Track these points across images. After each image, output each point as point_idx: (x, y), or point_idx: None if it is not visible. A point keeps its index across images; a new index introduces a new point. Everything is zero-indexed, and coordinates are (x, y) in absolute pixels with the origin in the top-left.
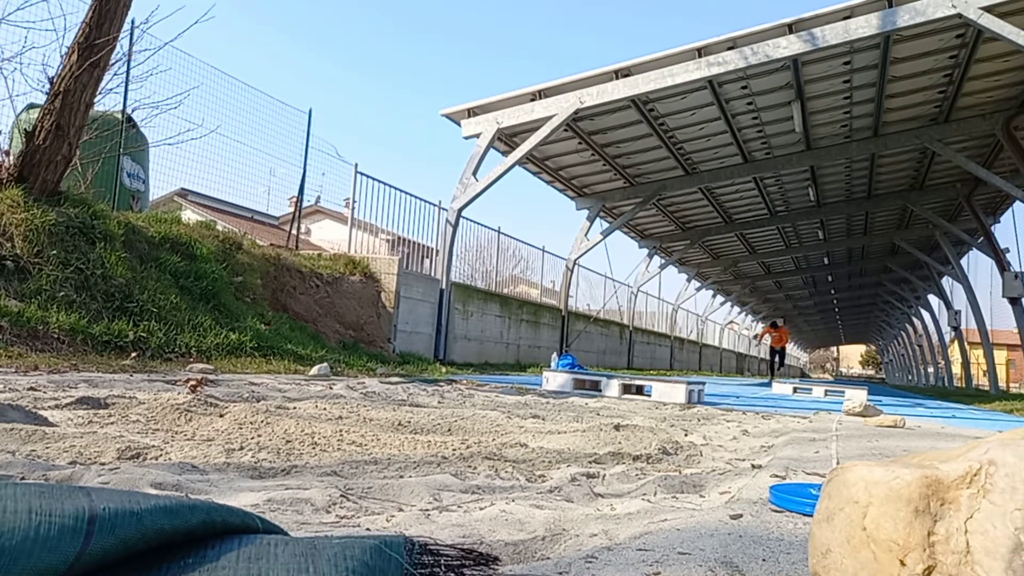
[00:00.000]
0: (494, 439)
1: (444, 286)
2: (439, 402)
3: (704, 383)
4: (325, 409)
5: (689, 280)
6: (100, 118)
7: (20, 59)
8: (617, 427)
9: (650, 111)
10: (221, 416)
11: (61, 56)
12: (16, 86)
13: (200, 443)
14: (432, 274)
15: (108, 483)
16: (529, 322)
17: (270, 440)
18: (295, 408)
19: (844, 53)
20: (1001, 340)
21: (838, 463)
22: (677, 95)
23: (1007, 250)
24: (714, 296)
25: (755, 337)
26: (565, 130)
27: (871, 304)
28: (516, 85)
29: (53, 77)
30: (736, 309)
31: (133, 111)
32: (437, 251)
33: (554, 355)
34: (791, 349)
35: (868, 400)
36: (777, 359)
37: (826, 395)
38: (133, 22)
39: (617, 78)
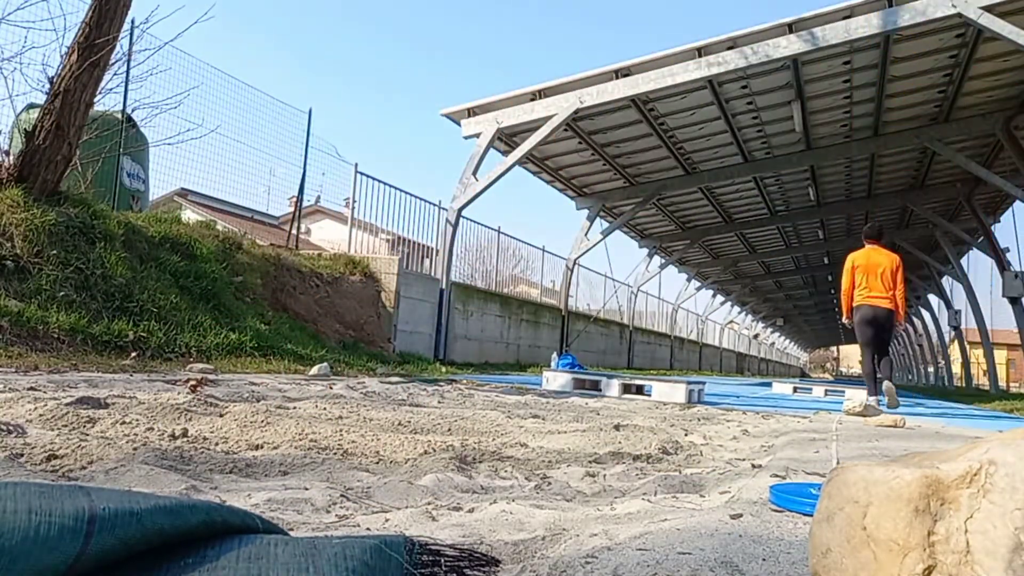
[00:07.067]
0: (494, 439)
1: (444, 286)
2: (439, 402)
3: (704, 383)
4: (325, 409)
5: (689, 280)
6: (100, 118)
7: (20, 59)
8: (617, 427)
9: (650, 111)
10: (221, 416)
11: (61, 56)
12: (16, 86)
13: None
14: (432, 274)
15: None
16: (529, 322)
17: (270, 440)
18: (295, 408)
19: (844, 53)
20: (1001, 340)
21: (838, 463)
22: (677, 95)
23: (1007, 250)
24: (714, 296)
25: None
26: (565, 130)
27: None
28: (516, 85)
29: (53, 77)
30: (736, 309)
31: (133, 111)
32: (437, 251)
33: (554, 355)
34: (790, 348)
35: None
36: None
37: (826, 395)
38: (133, 22)
39: (617, 78)
